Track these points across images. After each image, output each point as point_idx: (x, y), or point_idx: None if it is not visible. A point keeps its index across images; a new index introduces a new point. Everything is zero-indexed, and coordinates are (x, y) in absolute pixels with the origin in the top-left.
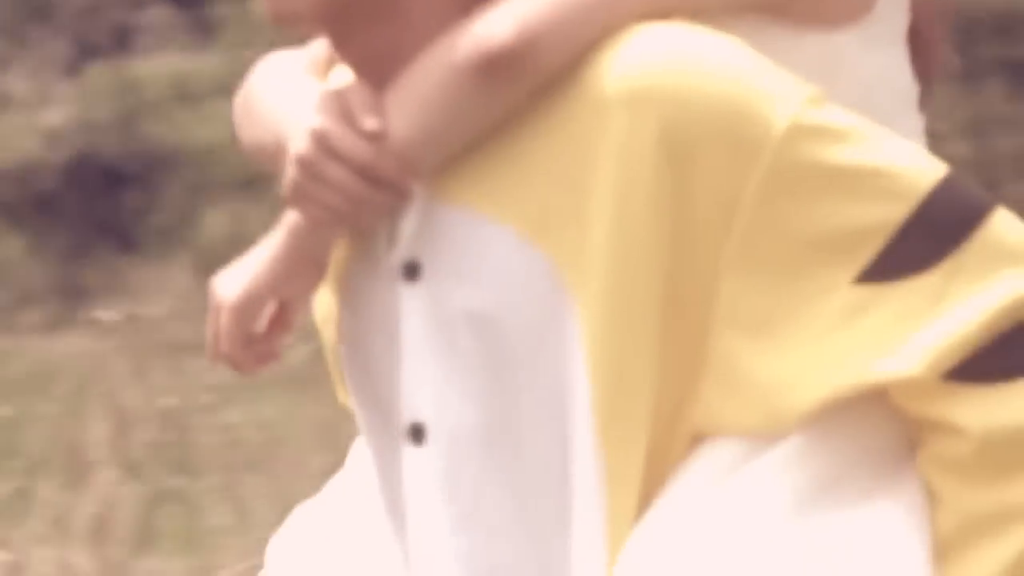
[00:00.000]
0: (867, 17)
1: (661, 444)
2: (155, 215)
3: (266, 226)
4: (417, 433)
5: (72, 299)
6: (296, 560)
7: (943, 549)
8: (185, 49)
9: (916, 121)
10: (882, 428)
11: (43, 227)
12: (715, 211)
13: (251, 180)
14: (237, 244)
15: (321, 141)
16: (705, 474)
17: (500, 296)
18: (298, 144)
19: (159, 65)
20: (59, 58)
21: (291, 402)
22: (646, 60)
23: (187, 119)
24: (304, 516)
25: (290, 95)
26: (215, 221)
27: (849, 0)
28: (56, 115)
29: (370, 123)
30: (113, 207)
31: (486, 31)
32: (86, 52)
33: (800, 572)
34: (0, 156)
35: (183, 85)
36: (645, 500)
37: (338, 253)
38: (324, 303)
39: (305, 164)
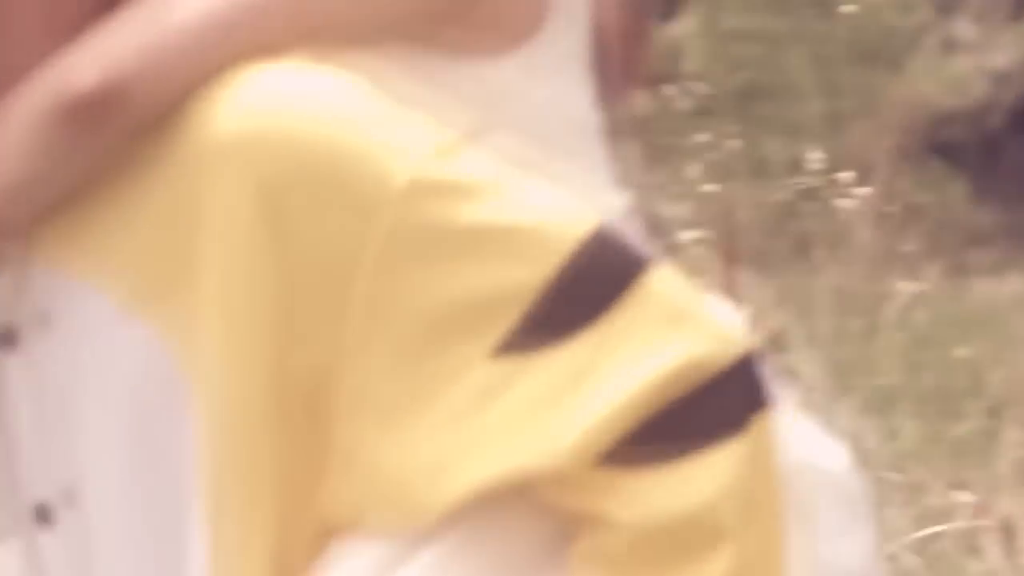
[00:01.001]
0: (529, 44)
1: (290, 543)
2: None
3: None
4: (44, 514)
5: (1017, 241)
6: None
7: None
8: None
9: (597, 149)
10: (534, 526)
11: (987, 169)
12: (330, 281)
13: None
14: None
15: None
16: None
17: (102, 371)
18: None
19: None
20: (1004, 3)
21: None
22: (249, 105)
23: None
24: None
25: None
26: None
27: (504, 29)
28: (1002, 58)
29: None
30: None
31: (68, 75)
32: None
33: None
34: (950, 100)
35: None
36: None
37: None
38: None
39: None
